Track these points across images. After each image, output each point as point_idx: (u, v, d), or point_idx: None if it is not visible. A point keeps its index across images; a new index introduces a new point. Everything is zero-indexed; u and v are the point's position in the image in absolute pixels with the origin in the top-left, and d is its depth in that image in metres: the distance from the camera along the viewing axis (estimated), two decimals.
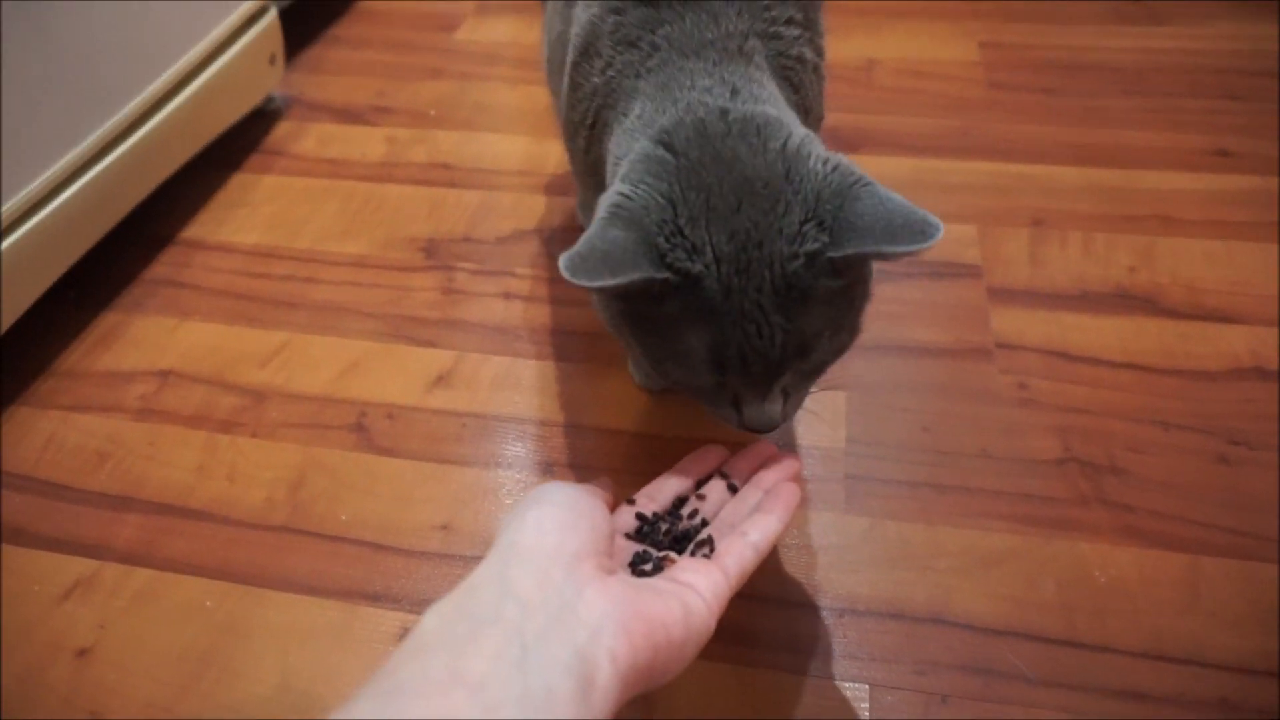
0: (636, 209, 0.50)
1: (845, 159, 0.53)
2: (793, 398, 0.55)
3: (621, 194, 0.51)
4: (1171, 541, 0.65)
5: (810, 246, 0.49)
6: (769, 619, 0.63)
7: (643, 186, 0.51)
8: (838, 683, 0.59)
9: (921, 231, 0.46)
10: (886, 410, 0.76)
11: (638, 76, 0.59)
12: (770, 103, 0.57)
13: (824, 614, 0.63)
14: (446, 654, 0.35)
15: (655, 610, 0.41)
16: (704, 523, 0.55)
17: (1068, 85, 1.14)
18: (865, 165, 1.09)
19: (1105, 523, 0.67)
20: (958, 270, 0.88)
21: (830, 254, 0.49)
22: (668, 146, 0.53)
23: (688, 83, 0.57)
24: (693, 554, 0.51)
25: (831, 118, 1.09)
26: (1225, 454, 0.71)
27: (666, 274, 0.49)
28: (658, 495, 0.56)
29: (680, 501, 0.57)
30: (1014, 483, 0.70)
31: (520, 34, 1.35)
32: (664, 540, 0.53)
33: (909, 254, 0.47)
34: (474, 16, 1.40)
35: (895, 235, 0.47)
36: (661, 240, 0.49)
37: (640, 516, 0.54)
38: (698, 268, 0.49)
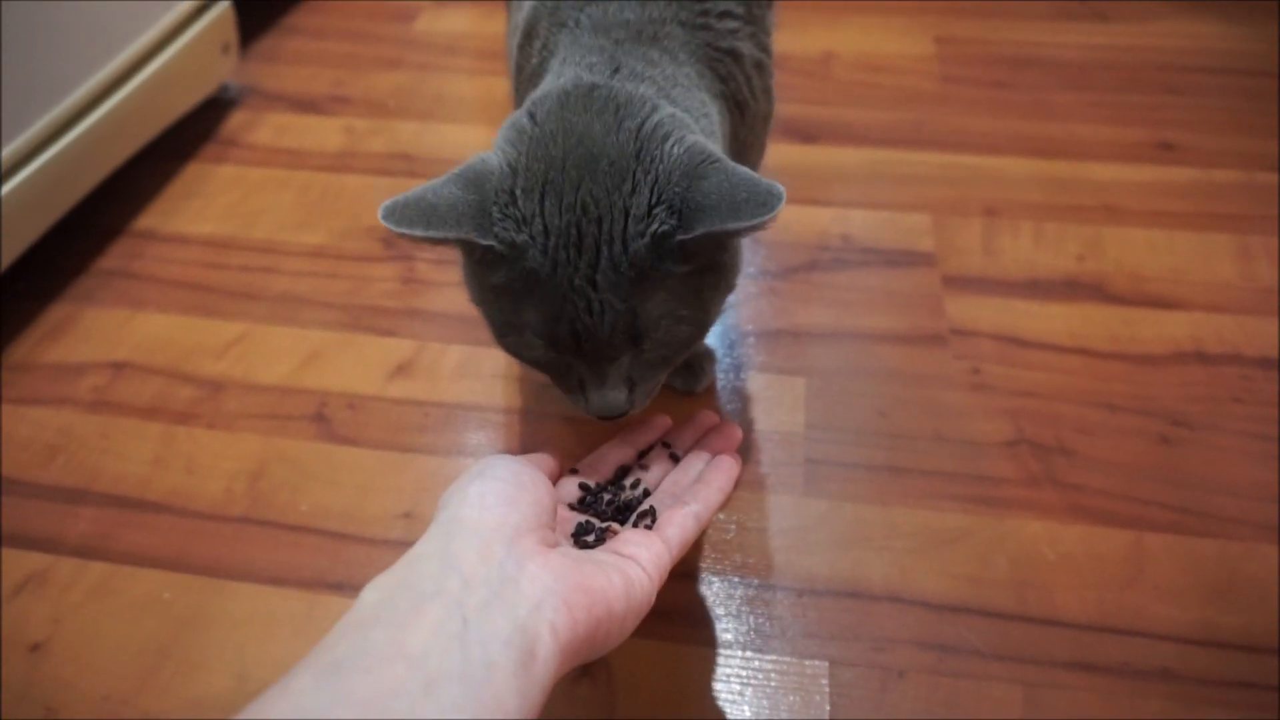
0: (483, 172, 0.50)
1: (702, 140, 0.52)
2: (641, 387, 0.54)
3: (480, 156, 0.51)
4: (1117, 519, 0.68)
5: (658, 228, 0.48)
6: (730, 600, 0.64)
7: (498, 152, 0.51)
8: (798, 660, 0.60)
9: (764, 203, 0.46)
10: (844, 395, 0.78)
11: (556, 53, 0.60)
12: (652, 82, 0.55)
13: (784, 594, 0.64)
14: (387, 627, 0.35)
15: (597, 583, 0.41)
16: (646, 493, 0.55)
17: (1018, 80, 1.17)
18: (822, 156, 1.11)
19: (1054, 502, 0.69)
20: (913, 259, 0.90)
21: (680, 237, 0.48)
22: (531, 116, 0.53)
23: (579, 58, 0.57)
24: (635, 524, 0.51)
25: (789, 109, 1.11)
26: (1167, 434, 0.73)
27: (491, 242, 0.49)
28: (600, 465, 0.57)
29: (623, 471, 0.57)
30: (967, 464, 0.72)
31: (479, 25, 1.34)
32: (607, 510, 0.53)
33: (754, 228, 0.47)
34: (432, 7, 1.39)
35: (739, 210, 0.47)
36: (495, 209, 0.49)
37: (583, 486, 0.54)
38: (523, 238, 0.49)
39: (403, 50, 1.29)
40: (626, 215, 0.48)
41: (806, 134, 1.08)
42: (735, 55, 0.62)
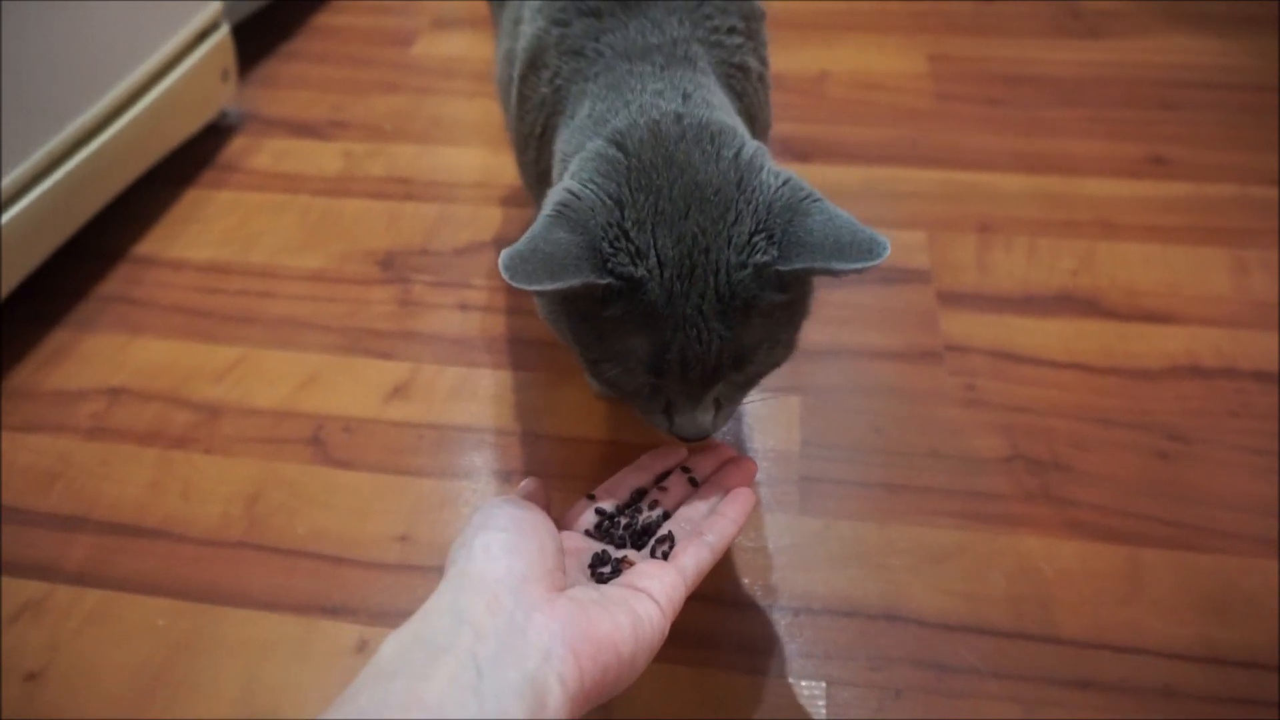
0: (583, 209, 0.50)
1: (795, 175, 0.53)
2: (725, 408, 0.55)
3: (570, 192, 0.51)
4: (1113, 534, 0.67)
5: (759, 259, 0.49)
6: (726, 620, 0.64)
7: (591, 186, 0.51)
8: (794, 681, 0.60)
9: (869, 250, 0.47)
10: (839, 413, 0.78)
11: (585, 80, 0.60)
12: (721, 110, 0.57)
13: (780, 614, 0.64)
14: (405, 679, 0.36)
15: (603, 629, 0.42)
16: (665, 515, 0.55)
17: (1012, 96, 1.17)
18: (817, 174, 1.12)
19: (1050, 517, 0.69)
20: (908, 275, 0.91)
21: (779, 268, 0.49)
22: (620, 146, 0.53)
23: (638, 85, 0.57)
24: (653, 551, 0.51)
25: (785, 128, 1.12)
26: (1163, 449, 0.73)
27: (609, 279, 0.49)
28: (618, 489, 0.57)
29: (640, 494, 0.57)
30: (963, 481, 0.71)
31: (475, 49, 1.36)
32: (624, 535, 0.53)
33: (856, 271, 0.47)
34: (429, 32, 1.40)
35: (843, 252, 0.47)
36: (606, 244, 0.49)
37: (600, 511, 0.55)
38: (640, 272, 0.49)
39: (400, 74, 1.30)
40: (729, 244, 0.49)
41: (801, 152, 1.09)
42: (745, 70, 0.64)
